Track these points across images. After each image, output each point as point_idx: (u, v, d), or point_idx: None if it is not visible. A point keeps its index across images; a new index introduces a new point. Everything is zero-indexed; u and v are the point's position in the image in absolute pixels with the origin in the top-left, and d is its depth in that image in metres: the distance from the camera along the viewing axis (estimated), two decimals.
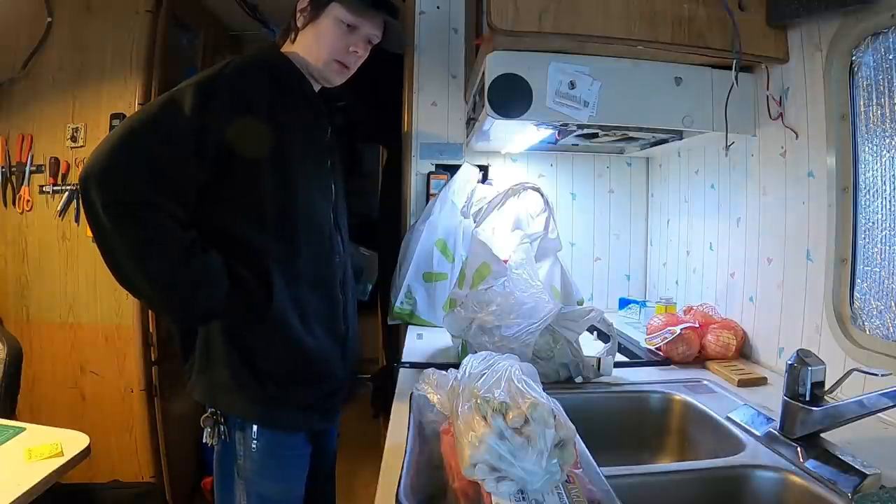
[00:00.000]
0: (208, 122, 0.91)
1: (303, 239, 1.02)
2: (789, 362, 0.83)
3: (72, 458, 1.16)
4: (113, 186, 0.86)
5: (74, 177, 2.01)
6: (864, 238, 1.04)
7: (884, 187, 1.00)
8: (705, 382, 1.15)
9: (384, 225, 2.34)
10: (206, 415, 1.02)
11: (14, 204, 2.04)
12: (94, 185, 0.86)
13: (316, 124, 1.10)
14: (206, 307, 0.93)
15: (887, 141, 0.99)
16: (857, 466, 0.72)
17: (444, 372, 0.83)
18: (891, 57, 0.97)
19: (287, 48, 1.07)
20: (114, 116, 1.99)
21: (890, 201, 0.99)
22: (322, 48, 1.04)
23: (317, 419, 1.09)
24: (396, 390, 1.09)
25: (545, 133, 1.49)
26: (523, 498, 0.60)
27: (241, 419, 1.01)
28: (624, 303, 1.84)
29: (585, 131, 1.45)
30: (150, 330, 2.03)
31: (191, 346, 1.05)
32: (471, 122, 1.59)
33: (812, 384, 0.80)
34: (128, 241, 0.87)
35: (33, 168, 2.03)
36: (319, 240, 1.07)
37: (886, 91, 0.98)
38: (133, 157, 0.87)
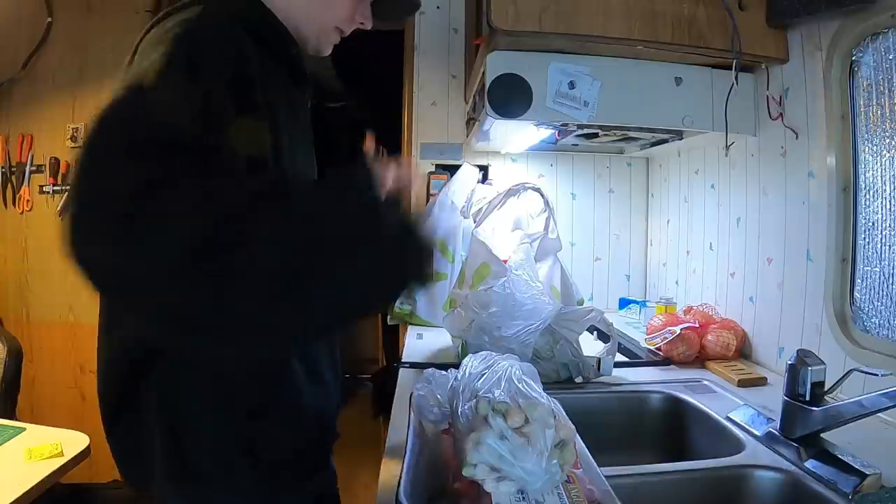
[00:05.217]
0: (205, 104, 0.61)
1: None
2: (789, 362, 0.83)
3: (72, 458, 1.16)
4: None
5: None
6: (864, 238, 1.04)
7: (884, 187, 1.00)
8: (705, 382, 1.15)
9: None
10: None
11: (14, 204, 2.05)
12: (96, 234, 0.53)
13: (300, 99, 0.86)
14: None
15: (887, 141, 0.99)
16: (857, 466, 0.72)
17: (444, 372, 0.83)
18: (891, 57, 0.97)
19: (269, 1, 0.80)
20: None
21: (890, 201, 0.99)
22: (330, 9, 0.83)
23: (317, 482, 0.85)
24: (396, 390, 1.09)
25: (545, 133, 1.49)
26: (523, 498, 0.59)
27: None
28: (624, 303, 1.84)
29: (585, 131, 1.45)
30: None
31: (131, 447, 0.73)
32: (471, 122, 1.59)
33: (812, 384, 0.80)
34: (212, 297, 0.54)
35: (33, 168, 2.03)
36: None
37: (886, 91, 0.98)
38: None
